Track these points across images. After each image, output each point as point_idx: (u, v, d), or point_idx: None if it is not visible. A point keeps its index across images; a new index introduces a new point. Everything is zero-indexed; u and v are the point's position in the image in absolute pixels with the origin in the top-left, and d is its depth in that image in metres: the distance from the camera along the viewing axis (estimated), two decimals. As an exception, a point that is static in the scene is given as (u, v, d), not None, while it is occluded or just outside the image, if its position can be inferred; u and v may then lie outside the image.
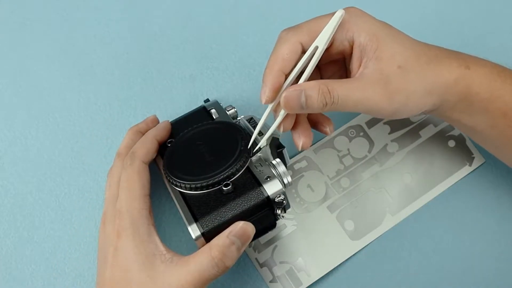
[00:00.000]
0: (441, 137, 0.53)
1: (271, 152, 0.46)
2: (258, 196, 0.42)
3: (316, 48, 0.42)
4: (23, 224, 0.52)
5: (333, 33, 0.42)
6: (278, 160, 0.44)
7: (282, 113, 0.42)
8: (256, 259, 0.50)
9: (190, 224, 0.41)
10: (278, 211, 0.43)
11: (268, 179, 0.42)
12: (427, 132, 0.53)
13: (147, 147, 0.46)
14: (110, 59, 0.57)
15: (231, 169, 0.43)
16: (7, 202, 0.52)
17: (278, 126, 0.43)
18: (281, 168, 0.44)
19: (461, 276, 0.50)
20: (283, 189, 0.42)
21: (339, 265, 0.50)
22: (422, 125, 0.54)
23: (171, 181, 0.44)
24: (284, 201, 0.42)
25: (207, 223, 0.41)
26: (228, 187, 0.42)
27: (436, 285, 0.50)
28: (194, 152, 0.46)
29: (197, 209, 0.42)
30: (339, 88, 0.41)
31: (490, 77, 0.43)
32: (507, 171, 0.52)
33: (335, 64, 0.47)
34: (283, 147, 0.47)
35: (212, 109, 0.50)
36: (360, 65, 0.43)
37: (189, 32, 0.58)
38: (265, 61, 0.56)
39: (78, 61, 0.57)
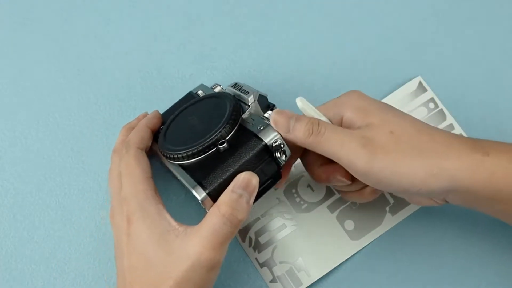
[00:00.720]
0: (441, 137, 0.53)
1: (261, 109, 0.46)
2: (256, 145, 0.42)
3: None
4: (23, 224, 0.52)
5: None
6: (269, 112, 0.45)
7: None
8: (256, 259, 0.50)
9: (193, 187, 0.41)
10: (278, 154, 0.42)
11: (262, 127, 0.42)
12: (427, 132, 0.53)
13: (140, 134, 0.47)
14: (110, 59, 0.57)
15: (223, 128, 0.42)
16: (7, 202, 0.52)
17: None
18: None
19: (461, 276, 0.50)
20: (279, 134, 0.42)
21: (339, 265, 0.50)
22: (422, 125, 0.54)
23: (168, 156, 0.44)
24: (282, 145, 0.42)
25: (210, 183, 0.41)
26: (224, 145, 0.42)
27: (436, 285, 0.50)
28: (186, 126, 0.46)
29: (198, 173, 0.42)
30: (328, 126, 0.41)
31: None
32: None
33: None
34: (273, 105, 0.47)
35: (198, 91, 0.51)
36: (356, 123, 0.42)
37: (189, 32, 0.58)
38: (265, 61, 0.57)
39: (78, 61, 0.57)
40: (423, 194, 0.41)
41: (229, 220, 0.40)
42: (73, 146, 0.54)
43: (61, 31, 0.58)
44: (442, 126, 0.54)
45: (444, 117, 0.54)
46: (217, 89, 0.51)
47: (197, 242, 0.40)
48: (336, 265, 0.50)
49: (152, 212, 0.42)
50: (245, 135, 0.43)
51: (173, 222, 0.42)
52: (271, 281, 0.50)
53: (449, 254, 0.51)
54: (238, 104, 0.45)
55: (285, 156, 0.42)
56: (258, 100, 0.46)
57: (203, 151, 0.42)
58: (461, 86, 0.55)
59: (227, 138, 0.42)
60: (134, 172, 0.44)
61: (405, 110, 0.53)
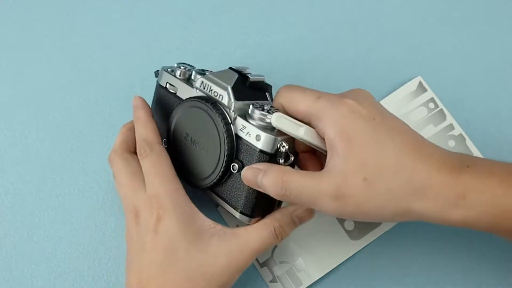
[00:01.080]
0: (441, 137, 0.53)
1: (247, 95, 0.44)
2: (262, 158, 0.42)
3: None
4: (23, 224, 0.52)
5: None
6: (252, 109, 0.42)
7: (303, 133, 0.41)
8: (256, 259, 0.50)
9: (239, 217, 0.44)
10: (283, 159, 0.41)
11: (258, 137, 0.41)
12: (427, 132, 0.53)
13: (153, 128, 0.45)
14: (110, 59, 0.57)
15: (226, 155, 0.43)
16: (7, 202, 0.52)
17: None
18: (262, 118, 0.42)
19: (461, 276, 0.50)
20: (275, 137, 0.41)
21: (339, 265, 0.50)
22: (422, 125, 0.54)
23: (193, 186, 0.46)
24: (287, 148, 0.41)
25: (247, 207, 0.43)
26: (235, 168, 0.43)
27: (436, 285, 0.50)
28: (187, 149, 0.46)
29: (227, 194, 0.44)
30: (294, 183, 0.39)
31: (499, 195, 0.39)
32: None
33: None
34: (269, 86, 0.46)
35: (167, 84, 0.48)
36: (331, 157, 0.40)
37: (189, 32, 0.58)
38: (265, 61, 0.56)
39: (78, 61, 0.57)
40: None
41: (277, 237, 0.42)
42: (73, 146, 0.54)
43: (61, 31, 0.58)
44: (442, 126, 0.54)
45: (444, 117, 0.54)
46: (183, 74, 0.48)
47: (241, 244, 0.41)
48: (336, 265, 0.50)
49: (186, 210, 0.42)
50: (248, 149, 0.42)
51: (209, 221, 0.42)
52: (271, 281, 0.50)
53: (449, 254, 0.51)
54: (225, 116, 0.43)
55: (293, 156, 0.42)
56: (236, 92, 0.43)
57: (222, 177, 0.44)
58: (461, 86, 0.55)
59: (235, 159, 0.43)
60: (163, 170, 0.43)
61: (405, 110, 0.53)
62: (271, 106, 0.43)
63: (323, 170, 0.40)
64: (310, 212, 0.44)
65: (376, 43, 0.57)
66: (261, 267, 0.50)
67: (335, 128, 0.39)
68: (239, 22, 0.58)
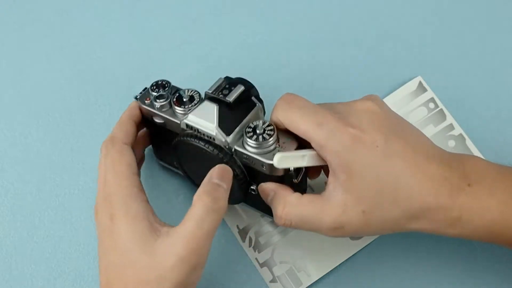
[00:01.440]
0: (441, 137, 0.53)
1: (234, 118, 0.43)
2: (277, 179, 0.42)
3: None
4: (23, 224, 0.52)
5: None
6: (245, 139, 0.41)
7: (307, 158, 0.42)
8: (256, 259, 0.50)
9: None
10: (297, 173, 0.42)
11: (264, 166, 0.41)
12: (427, 132, 0.53)
13: (124, 129, 0.46)
14: (110, 59, 0.57)
15: (241, 183, 0.44)
16: (7, 202, 0.52)
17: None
18: (258, 146, 0.41)
19: (462, 276, 0.50)
20: (276, 166, 0.41)
21: (339, 265, 0.50)
22: (422, 125, 0.54)
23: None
24: (290, 170, 0.41)
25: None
26: (254, 189, 0.44)
27: (436, 285, 0.50)
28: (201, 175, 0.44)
29: (258, 206, 0.47)
30: (294, 212, 0.42)
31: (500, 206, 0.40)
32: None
33: None
34: (247, 86, 0.44)
35: (151, 118, 0.46)
36: (334, 181, 0.40)
37: (189, 32, 0.58)
38: (265, 61, 0.56)
39: (78, 61, 0.57)
40: None
41: (213, 208, 0.40)
42: (73, 146, 0.54)
43: (61, 31, 0.58)
44: (442, 126, 0.54)
45: (444, 117, 0.54)
46: (160, 108, 0.45)
47: (179, 240, 0.39)
48: (336, 265, 0.50)
49: (136, 210, 0.41)
50: (259, 174, 0.43)
51: (156, 223, 0.41)
52: (271, 281, 0.50)
53: (449, 254, 0.51)
54: (226, 152, 0.42)
55: (300, 175, 0.43)
56: (224, 126, 0.42)
57: (245, 199, 0.46)
58: (461, 86, 0.55)
59: (253, 183, 0.44)
60: (119, 168, 0.43)
61: (405, 110, 0.53)
62: (263, 124, 0.42)
63: (324, 195, 0.41)
64: (222, 168, 0.42)
65: (376, 43, 0.57)
66: (261, 267, 0.50)
67: (336, 159, 0.39)
68: (239, 22, 0.58)
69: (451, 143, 0.53)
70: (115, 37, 0.57)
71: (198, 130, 0.42)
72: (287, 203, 0.42)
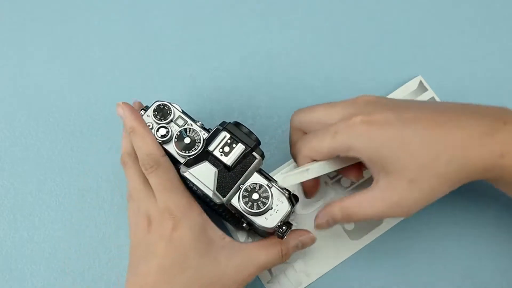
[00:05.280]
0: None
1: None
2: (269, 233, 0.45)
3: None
4: (23, 224, 0.52)
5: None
6: (240, 205, 0.42)
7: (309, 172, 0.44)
8: (256, 259, 0.50)
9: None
10: (288, 227, 0.43)
11: (259, 225, 0.43)
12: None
13: (153, 140, 0.44)
14: (110, 59, 0.57)
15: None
16: (7, 202, 0.52)
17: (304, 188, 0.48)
18: (251, 210, 0.42)
19: (462, 276, 0.50)
20: (270, 227, 0.42)
21: (339, 265, 0.50)
22: (422, 125, 0.53)
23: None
24: (282, 224, 0.43)
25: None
26: (245, 226, 0.46)
27: (436, 285, 0.50)
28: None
29: (258, 232, 0.47)
30: (351, 209, 0.42)
31: None
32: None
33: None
34: (254, 160, 0.43)
35: None
36: (373, 173, 0.42)
37: (189, 32, 0.58)
38: (265, 61, 0.56)
39: (78, 61, 0.57)
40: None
41: (282, 258, 0.45)
42: (73, 146, 0.54)
43: (61, 31, 0.58)
44: (442, 126, 0.54)
45: (444, 117, 0.54)
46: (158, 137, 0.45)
47: (251, 259, 0.43)
48: (335, 265, 0.50)
49: (198, 221, 0.43)
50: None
51: (220, 232, 0.43)
52: (269, 282, 0.50)
53: (449, 254, 0.51)
54: (224, 208, 0.44)
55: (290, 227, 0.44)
56: (221, 189, 0.43)
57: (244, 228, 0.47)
58: (461, 86, 0.55)
59: (244, 223, 0.46)
60: (172, 185, 0.43)
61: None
62: (259, 189, 0.42)
63: (372, 187, 0.42)
64: (313, 239, 0.46)
65: (376, 43, 0.57)
66: (261, 267, 0.50)
67: (363, 155, 0.41)
68: (239, 22, 0.58)
69: (451, 143, 0.53)
70: (115, 37, 0.57)
71: (196, 186, 0.43)
72: (343, 200, 0.43)
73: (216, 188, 0.42)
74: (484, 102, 0.54)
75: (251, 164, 0.43)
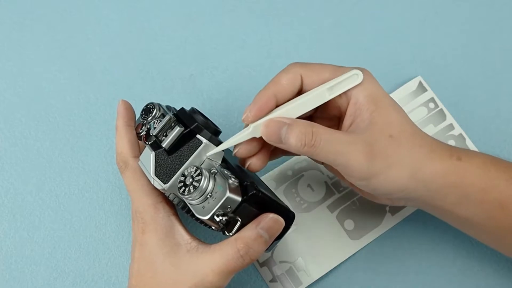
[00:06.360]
0: (441, 136, 0.53)
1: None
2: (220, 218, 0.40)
3: (320, 93, 0.41)
4: (23, 224, 0.52)
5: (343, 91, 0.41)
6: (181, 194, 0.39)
7: (246, 133, 0.40)
8: (256, 259, 0.50)
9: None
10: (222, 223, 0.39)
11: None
12: (427, 132, 0.53)
13: (126, 140, 0.45)
14: (110, 59, 0.57)
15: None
16: (7, 202, 0.52)
17: (235, 146, 0.41)
18: (187, 196, 0.39)
19: (461, 276, 0.50)
20: (204, 218, 0.39)
21: (339, 265, 0.50)
22: (422, 125, 0.54)
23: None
24: (219, 213, 0.39)
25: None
26: (222, 219, 0.39)
27: (436, 285, 0.50)
28: None
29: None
30: (323, 134, 0.39)
31: (484, 167, 0.41)
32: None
33: (328, 120, 0.44)
34: (199, 144, 0.41)
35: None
36: (352, 123, 0.41)
37: (189, 32, 0.58)
38: (265, 61, 0.57)
39: (78, 61, 0.57)
40: (401, 198, 0.42)
41: (242, 257, 0.40)
42: (73, 146, 0.54)
43: (61, 31, 0.58)
44: (442, 126, 0.54)
45: (444, 117, 0.54)
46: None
47: (206, 263, 0.40)
48: (336, 265, 0.50)
49: (164, 225, 0.42)
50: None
51: (186, 236, 0.42)
52: (271, 281, 0.50)
53: (449, 254, 0.51)
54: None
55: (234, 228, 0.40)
56: (160, 172, 0.41)
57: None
58: (461, 86, 0.55)
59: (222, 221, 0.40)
60: (138, 186, 0.43)
61: (405, 110, 0.53)
62: (195, 172, 0.39)
63: (345, 131, 0.41)
64: (276, 220, 0.40)
65: (376, 43, 0.57)
66: (261, 267, 0.50)
67: (365, 93, 0.41)
68: (239, 22, 0.58)
69: (451, 143, 0.53)
70: (115, 37, 0.57)
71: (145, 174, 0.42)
72: (314, 124, 0.40)
73: (155, 173, 0.41)
74: (484, 101, 0.55)
75: (197, 149, 0.40)
